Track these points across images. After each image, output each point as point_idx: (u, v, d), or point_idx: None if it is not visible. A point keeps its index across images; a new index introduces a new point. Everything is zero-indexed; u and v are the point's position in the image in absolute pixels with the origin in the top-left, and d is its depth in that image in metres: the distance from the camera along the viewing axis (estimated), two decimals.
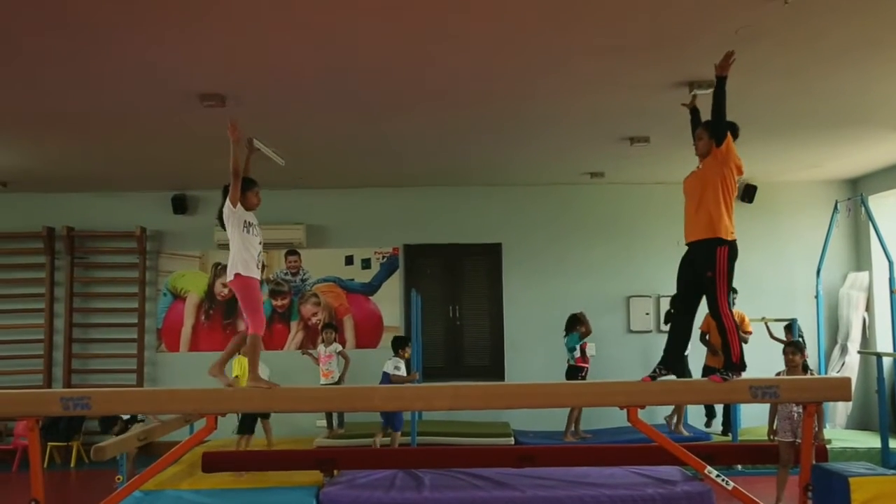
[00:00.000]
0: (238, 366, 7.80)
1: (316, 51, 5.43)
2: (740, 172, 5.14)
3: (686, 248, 5.21)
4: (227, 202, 5.06)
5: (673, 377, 5.25)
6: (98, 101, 6.53)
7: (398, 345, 8.48)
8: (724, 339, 5.05)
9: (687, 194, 5.22)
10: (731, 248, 5.05)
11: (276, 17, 4.83)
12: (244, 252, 5.03)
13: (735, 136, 5.17)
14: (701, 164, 5.19)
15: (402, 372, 8.27)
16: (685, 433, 8.69)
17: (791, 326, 8.79)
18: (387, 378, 8.17)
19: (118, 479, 6.15)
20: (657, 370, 5.17)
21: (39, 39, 5.12)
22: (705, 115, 5.30)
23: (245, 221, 5.08)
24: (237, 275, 5.02)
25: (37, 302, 10.30)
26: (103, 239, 10.51)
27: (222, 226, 5.17)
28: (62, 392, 5.50)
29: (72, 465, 9.49)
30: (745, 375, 5.07)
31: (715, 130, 5.08)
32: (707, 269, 5.01)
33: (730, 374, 5.01)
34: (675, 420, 8.84)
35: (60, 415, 5.93)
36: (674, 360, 5.23)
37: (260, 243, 5.18)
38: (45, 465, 8.66)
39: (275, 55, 5.51)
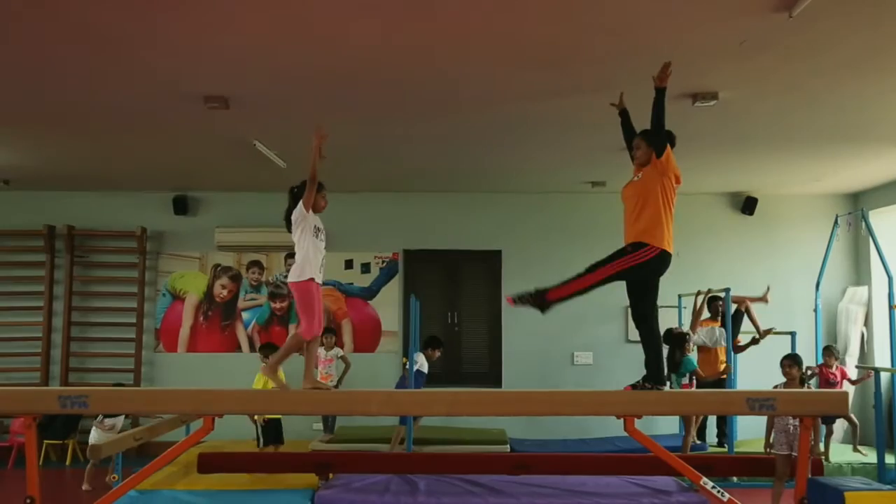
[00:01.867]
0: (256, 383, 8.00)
1: (319, 54, 5.45)
2: (679, 182, 5.09)
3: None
4: (300, 206, 5.06)
5: (666, 387, 5.22)
6: (101, 101, 6.54)
7: (428, 344, 8.55)
8: (566, 283, 5.00)
9: (626, 204, 5.16)
10: (662, 255, 4.97)
11: (280, 20, 4.84)
12: (311, 257, 5.04)
13: (672, 144, 5.14)
14: (640, 175, 5.15)
15: (416, 366, 8.39)
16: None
17: (830, 348, 8.70)
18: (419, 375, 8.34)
19: (113, 477, 6.16)
20: (642, 385, 5.14)
21: (43, 39, 5.13)
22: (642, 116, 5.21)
23: (315, 227, 5.10)
24: (296, 280, 5.04)
25: (36, 300, 10.31)
26: (104, 238, 10.52)
27: (288, 228, 5.18)
28: (60, 390, 5.51)
29: (67, 462, 9.49)
30: (745, 387, 5.05)
31: (654, 141, 5.05)
32: (630, 247, 4.95)
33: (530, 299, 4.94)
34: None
35: (58, 413, 5.93)
36: (657, 371, 5.19)
37: (324, 248, 5.20)
38: (41, 462, 8.66)
39: (279, 58, 5.52)
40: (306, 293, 5.04)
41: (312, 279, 5.02)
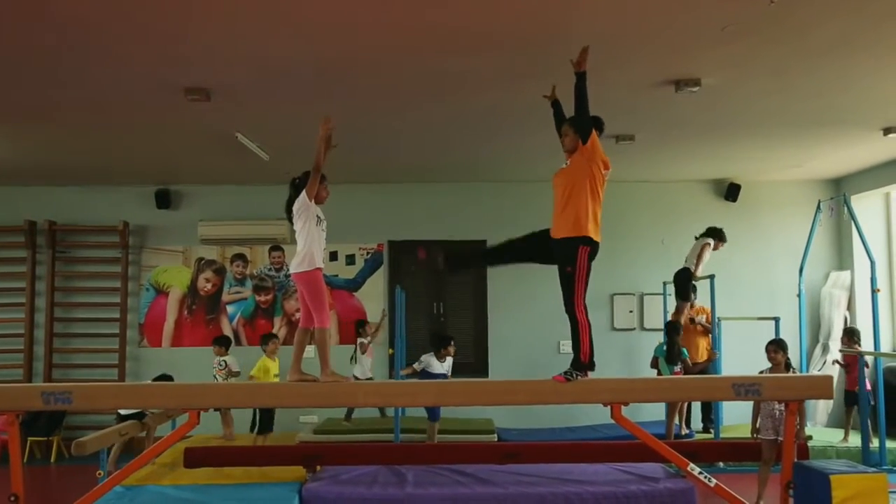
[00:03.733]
0: (258, 369, 8.23)
1: (300, 45, 5.41)
2: (607, 167, 5.11)
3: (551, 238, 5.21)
4: (303, 196, 5.08)
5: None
6: (82, 94, 6.48)
7: (438, 343, 8.45)
8: (574, 336, 5.02)
9: (555, 190, 5.21)
10: (593, 248, 5.04)
11: (260, 11, 4.81)
12: (315, 246, 5.07)
13: (600, 130, 5.16)
14: (568, 161, 5.16)
15: (419, 367, 8.32)
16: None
17: (852, 331, 8.72)
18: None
19: (99, 473, 6.12)
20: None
21: (21, 32, 5.07)
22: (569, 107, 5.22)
23: (317, 217, 5.13)
24: (306, 270, 5.05)
25: (18, 296, 10.22)
26: (86, 233, 10.43)
27: (289, 219, 5.20)
28: (44, 386, 5.48)
29: (52, 460, 9.43)
30: (730, 373, 5.07)
31: (579, 127, 5.06)
32: (567, 264, 5.01)
33: (574, 374, 4.98)
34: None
35: (42, 409, 5.90)
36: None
37: (325, 238, 5.24)
38: (25, 459, 8.59)
39: (259, 50, 5.48)
40: (316, 282, 5.07)
41: (320, 268, 5.05)
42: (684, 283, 8.94)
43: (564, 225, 5.05)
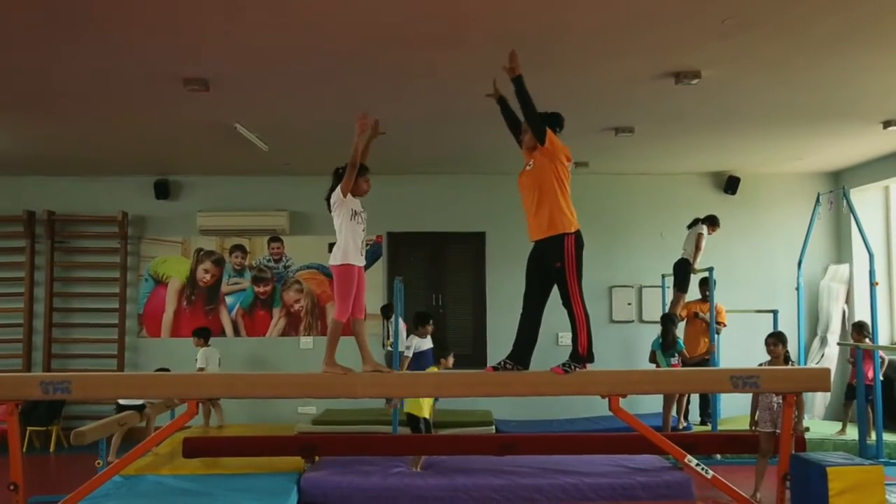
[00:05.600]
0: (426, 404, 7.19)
1: (300, 34, 5.40)
2: (569, 160, 5.09)
3: (533, 244, 5.18)
4: (338, 191, 5.09)
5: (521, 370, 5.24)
6: (81, 85, 6.46)
7: (417, 322, 8.44)
8: (573, 329, 5.02)
9: (523, 192, 5.16)
10: (577, 238, 5.04)
11: (259, 1, 4.79)
12: (349, 240, 5.11)
13: (560, 125, 5.15)
14: (532, 163, 5.13)
15: (409, 353, 8.31)
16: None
17: (861, 325, 8.64)
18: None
19: (98, 463, 6.13)
20: (503, 363, 5.15)
21: (19, 21, 5.05)
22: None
23: (353, 210, 5.14)
24: (337, 264, 5.12)
25: (17, 286, 10.22)
26: (85, 223, 10.43)
27: (328, 208, 5.21)
28: (42, 376, 5.47)
29: (51, 449, 9.45)
30: (728, 365, 5.07)
31: (533, 129, 5.04)
32: (555, 260, 4.99)
33: (573, 366, 4.99)
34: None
35: (40, 399, 5.89)
36: (522, 354, 5.21)
37: (363, 230, 5.25)
38: (25, 449, 8.60)
39: (259, 39, 5.47)
40: (345, 277, 5.11)
41: (352, 264, 5.10)
42: (683, 274, 8.95)
43: (540, 227, 5.04)
